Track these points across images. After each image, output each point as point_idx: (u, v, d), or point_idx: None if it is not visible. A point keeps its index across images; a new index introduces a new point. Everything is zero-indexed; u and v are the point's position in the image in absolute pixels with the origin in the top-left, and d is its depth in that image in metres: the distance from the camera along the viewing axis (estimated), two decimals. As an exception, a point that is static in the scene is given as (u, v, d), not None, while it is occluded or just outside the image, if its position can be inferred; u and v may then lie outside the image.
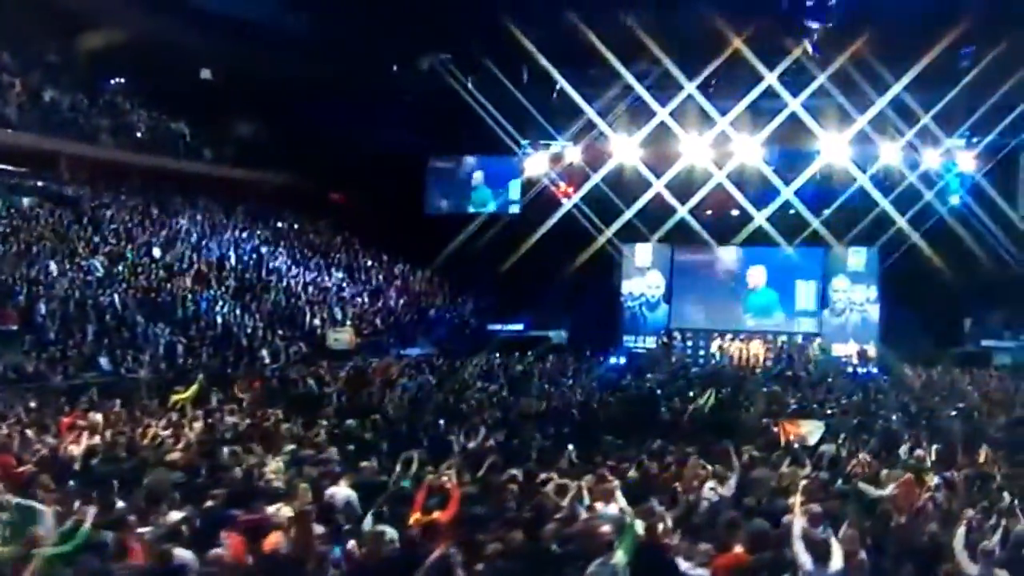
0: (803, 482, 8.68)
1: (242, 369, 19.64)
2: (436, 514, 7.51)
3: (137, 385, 17.11)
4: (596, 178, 26.30)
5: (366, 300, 27.62)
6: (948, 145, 25.20)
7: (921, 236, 25.61)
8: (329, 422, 12.44)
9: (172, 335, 20.32)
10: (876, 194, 25.23)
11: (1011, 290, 25.19)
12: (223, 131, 32.28)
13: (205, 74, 34.06)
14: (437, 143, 32.42)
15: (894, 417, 14.72)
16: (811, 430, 12.41)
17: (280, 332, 22.57)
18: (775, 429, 12.75)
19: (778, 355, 27.65)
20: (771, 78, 22.75)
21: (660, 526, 7.28)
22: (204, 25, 28.43)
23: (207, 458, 9.87)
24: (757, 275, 29.08)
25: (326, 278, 28.01)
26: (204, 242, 26.71)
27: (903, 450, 11.29)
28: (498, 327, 29.15)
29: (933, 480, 8.85)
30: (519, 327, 29.26)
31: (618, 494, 8.18)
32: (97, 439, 10.83)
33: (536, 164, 28.60)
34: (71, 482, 8.86)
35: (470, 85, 27.92)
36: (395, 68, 31.52)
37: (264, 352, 21.09)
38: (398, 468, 9.44)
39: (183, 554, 6.66)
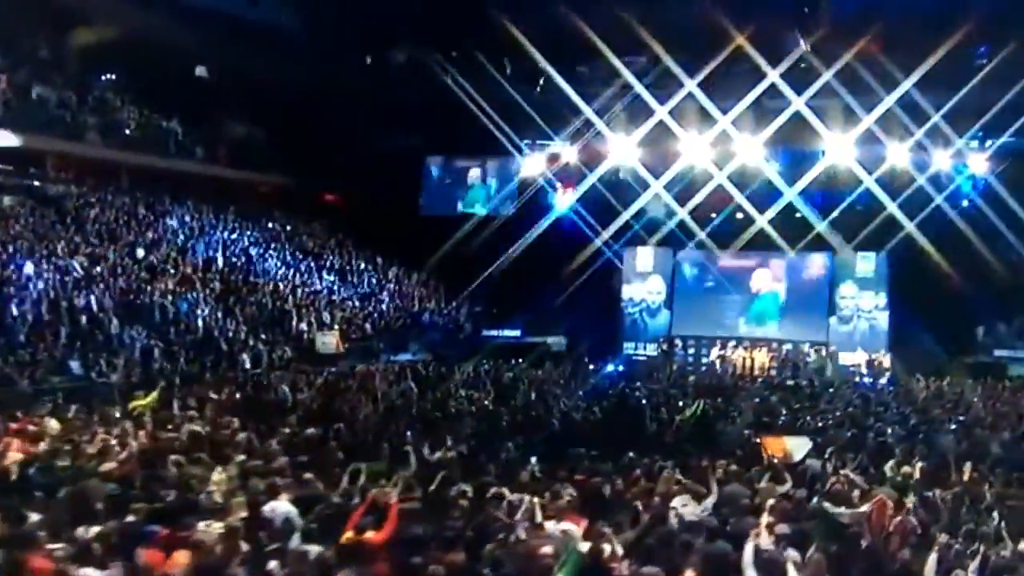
0: (771, 500, 8.27)
1: (220, 374, 19.37)
2: (370, 533, 7.14)
3: (108, 390, 16.83)
4: (592, 178, 25.89)
5: (357, 303, 27.32)
6: (959, 146, 24.64)
7: (931, 241, 25.03)
8: (290, 431, 12.08)
9: (149, 339, 20.06)
10: (883, 196, 24.69)
11: (1025, 298, 24.61)
12: (216, 130, 32.24)
13: (200, 71, 34.07)
14: (433, 143, 32.27)
15: (889, 431, 14.22)
16: (796, 446, 11.98)
17: (263, 336, 22.24)
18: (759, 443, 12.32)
19: (782, 364, 27.20)
20: (774, 75, 22.30)
21: (608, 548, 6.90)
22: (199, 22, 28.37)
23: (149, 468, 9.55)
24: (762, 280, 28.61)
25: (316, 281, 27.74)
26: (191, 243, 26.51)
27: (889, 466, 10.83)
28: (494, 333, 28.83)
29: (911, 500, 8.39)
30: (516, 333, 28.91)
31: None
32: (42, 446, 10.54)
33: (533, 165, 28.21)
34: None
35: (466, 84, 27.57)
36: (390, 67, 31.38)
37: (245, 356, 20.75)
38: (344, 481, 9.12)
39: (89, 574, 6.33)
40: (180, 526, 7.46)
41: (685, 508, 8.60)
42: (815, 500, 8.95)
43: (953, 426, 14.95)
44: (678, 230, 26.92)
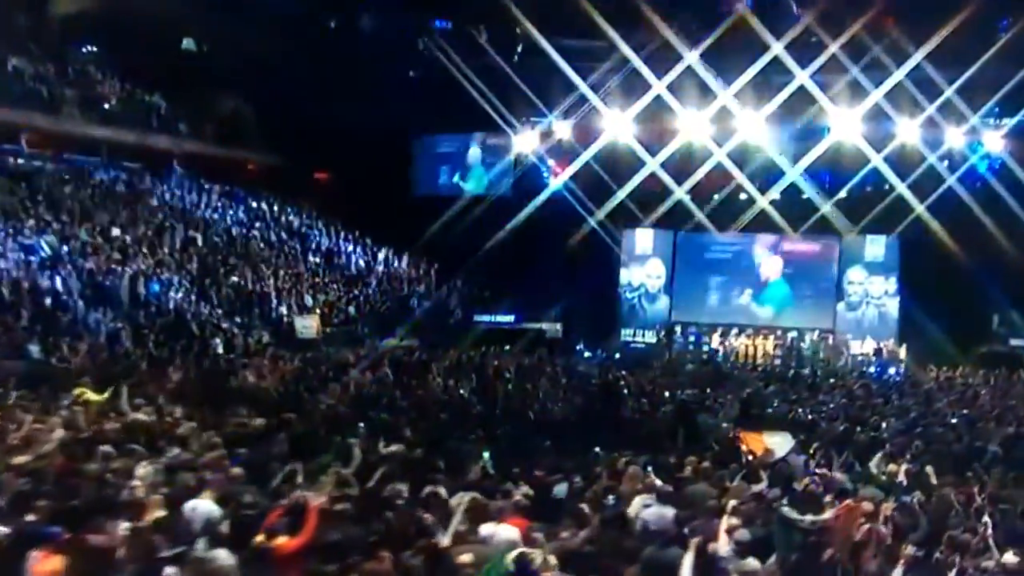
0: (732, 502, 7.75)
1: (190, 360, 18.92)
2: (283, 538, 6.66)
3: (67, 376, 16.43)
4: (586, 155, 25.25)
5: (342, 286, 26.87)
6: (974, 123, 23.82)
7: (943, 223, 24.27)
8: (237, 422, 11.62)
9: (116, 321, 19.67)
10: (892, 176, 23.98)
11: (1043, 285, 23.88)
12: (202, 105, 31.77)
13: (187, 44, 33.59)
14: (425, 120, 31.64)
15: (884, 424, 13.67)
16: (777, 441, 11.46)
17: (238, 320, 21.82)
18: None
19: (787, 352, 26.64)
20: (777, 48, 21.61)
21: (539, 557, 6.39)
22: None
23: (72, 461, 9.10)
24: (771, 266, 27.94)
25: (301, 262, 27.30)
26: (170, 222, 26.08)
27: (874, 463, 10.27)
28: (486, 318, 28.31)
29: (889, 505, 7.84)
30: (509, 318, 28.40)
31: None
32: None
33: (526, 142, 27.58)
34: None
35: (458, 59, 26.96)
36: (383, 40, 30.82)
37: (217, 341, 20.33)
38: (278, 478, 8.66)
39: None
40: (88, 527, 7.01)
41: (646, 510, 8.07)
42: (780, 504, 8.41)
43: (955, 420, 14.34)
44: (680, 212, 26.25)
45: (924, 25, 21.73)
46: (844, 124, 23.32)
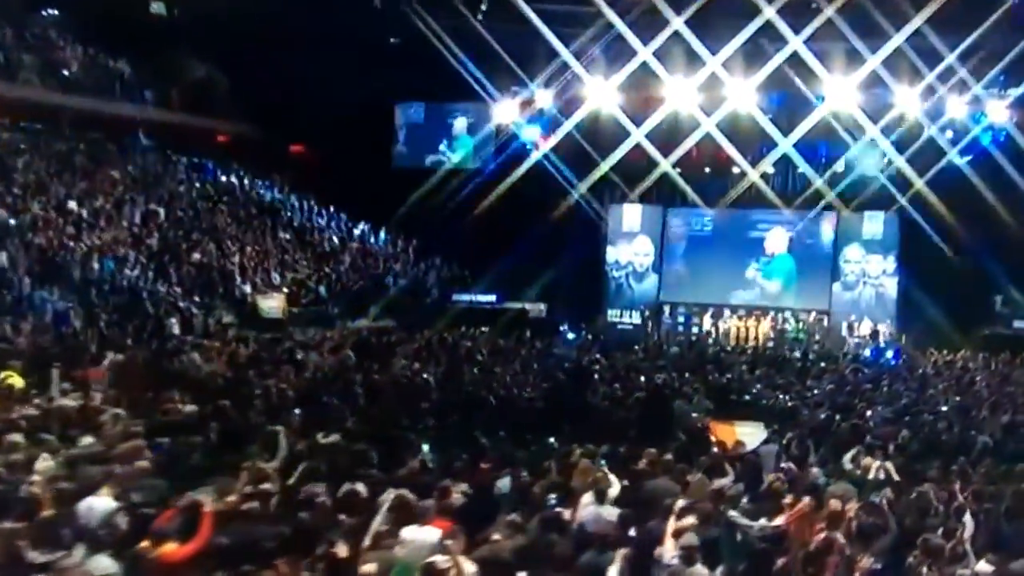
0: (680, 502, 7.20)
1: (143, 341, 18.36)
2: (171, 544, 6.12)
3: (7, 358, 15.87)
4: (568, 124, 24.60)
5: (312, 264, 26.27)
6: (976, 92, 23.12)
7: (944, 199, 23.67)
8: (166, 409, 11.07)
9: (65, 300, 19.10)
10: (890, 149, 23.32)
11: (1048, 264, 23.29)
12: (170, 72, 31.02)
13: (156, 8, 32.74)
14: (409, 90, 30.96)
15: (869, 412, 13.14)
16: (750, 431, 10.93)
17: (198, 299, 21.25)
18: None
19: (779, 334, 26.14)
20: (769, 11, 20.90)
21: (452, 568, 5.85)
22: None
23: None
24: (777, 239, 27.23)
25: (270, 239, 26.68)
26: (130, 195, 25.48)
27: (848, 457, 9.72)
28: (465, 298, 27.73)
29: (854, 505, 7.28)
30: (490, 298, 27.81)
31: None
32: None
33: (507, 112, 26.89)
34: None
35: (435, 24, 26.19)
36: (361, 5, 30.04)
37: (173, 321, 19.77)
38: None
39: None
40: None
41: (584, 510, 7.54)
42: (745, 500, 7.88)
43: (946, 408, 13.81)
44: (666, 185, 25.62)
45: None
46: (839, 93, 22.63)
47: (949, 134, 24.37)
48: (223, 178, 29.67)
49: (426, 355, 18.92)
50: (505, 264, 26.67)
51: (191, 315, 20.58)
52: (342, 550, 6.03)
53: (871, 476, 8.96)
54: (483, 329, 23.70)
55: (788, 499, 7.41)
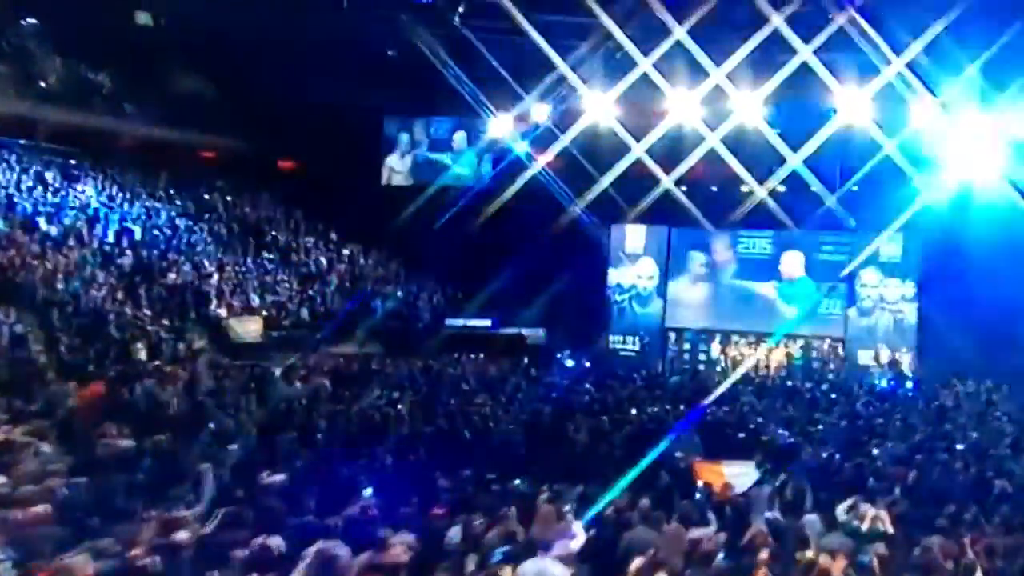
0: (638, 561, 6.50)
1: (105, 367, 17.80)
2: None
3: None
4: (565, 139, 24.00)
5: (296, 286, 25.71)
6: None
7: (968, 218, 22.90)
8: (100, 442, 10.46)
9: (24, 323, 18.56)
10: (907, 165, 22.57)
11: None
12: (154, 84, 30.69)
13: (142, 19, 32.46)
14: (406, 104, 30.56)
15: (875, 452, 12.39)
16: (739, 472, 10.21)
17: (166, 322, 20.68)
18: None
19: (793, 363, 25.45)
20: (777, 20, 20.32)
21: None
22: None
23: None
24: (792, 262, 26.51)
25: (250, 259, 26.15)
26: (106, 213, 25.05)
27: (842, 508, 8.97)
28: (459, 322, 27.13)
29: (840, 564, 6.55)
30: (486, 323, 27.22)
31: None
32: None
33: (503, 127, 26.33)
34: None
35: (428, 36, 25.75)
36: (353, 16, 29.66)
37: (139, 346, 19.19)
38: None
39: None
40: None
41: (525, 565, 6.83)
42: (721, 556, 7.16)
43: (961, 445, 13.04)
44: (670, 204, 24.94)
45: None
46: (852, 106, 21.96)
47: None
48: (206, 195, 29.14)
49: (407, 384, 18.36)
50: (501, 287, 26.13)
51: (159, 339, 19.95)
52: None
53: (866, 526, 8.20)
54: (479, 356, 23.14)
55: (764, 554, 6.68)
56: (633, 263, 27.79)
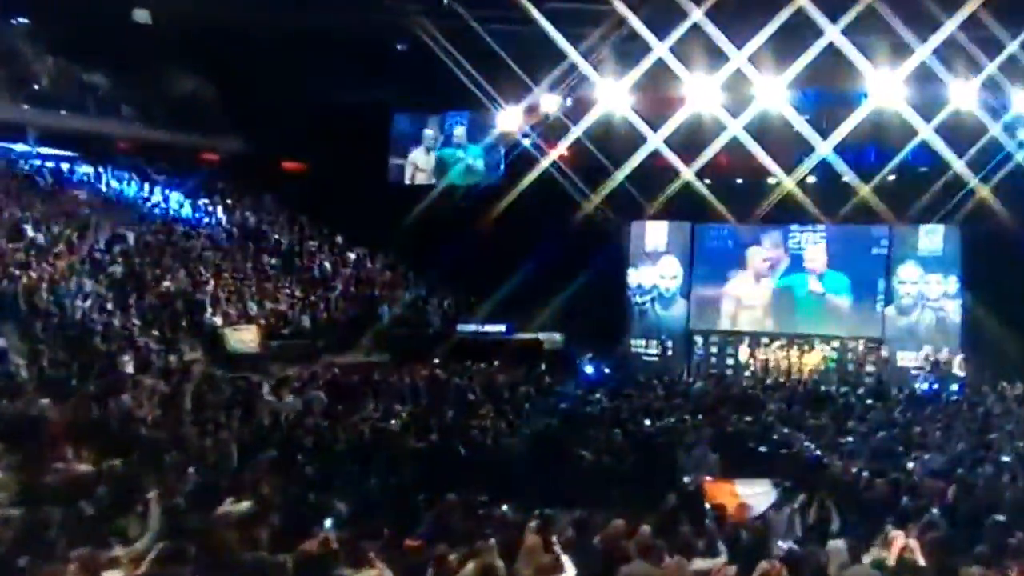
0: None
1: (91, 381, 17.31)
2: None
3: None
4: (578, 131, 23.37)
5: (298, 292, 25.19)
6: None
7: (1013, 208, 22.00)
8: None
9: (5, 336, 18.14)
10: (948, 152, 21.72)
11: None
12: (151, 85, 30.40)
13: (140, 16, 32.15)
14: (414, 100, 30.02)
15: (911, 466, 11.58)
16: (756, 493, 9.46)
17: (156, 333, 20.21)
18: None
19: (827, 368, 24.63)
20: (802, -1, 19.59)
21: None
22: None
23: None
24: (816, 255, 25.73)
25: (251, 265, 25.68)
26: (98, 219, 24.68)
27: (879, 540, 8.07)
28: (471, 328, 26.48)
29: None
30: (500, 328, 26.54)
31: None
32: None
33: (513, 120, 25.72)
34: None
35: (434, 29, 25.21)
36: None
37: (126, 358, 18.69)
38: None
39: None
40: None
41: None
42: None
43: (1008, 458, 12.17)
44: (692, 198, 24.23)
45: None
46: (885, 88, 21.12)
47: (1011, 134, 22.62)
48: (206, 199, 28.75)
49: (408, 395, 17.75)
50: (516, 289, 25.53)
51: (148, 351, 19.47)
52: None
53: (894, 557, 7.40)
54: (492, 364, 22.43)
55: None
56: (654, 262, 27.09)
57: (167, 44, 28.91)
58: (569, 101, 25.26)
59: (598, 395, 17.51)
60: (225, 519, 8.05)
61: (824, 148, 21.48)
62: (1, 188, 24.14)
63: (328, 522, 7.85)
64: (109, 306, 20.76)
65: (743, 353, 25.80)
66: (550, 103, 24.84)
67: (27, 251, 21.27)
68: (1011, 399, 19.35)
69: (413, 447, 12.51)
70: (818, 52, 20.35)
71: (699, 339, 26.72)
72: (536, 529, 8.21)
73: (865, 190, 22.57)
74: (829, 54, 20.41)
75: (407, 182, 30.25)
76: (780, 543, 8.24)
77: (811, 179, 24.12)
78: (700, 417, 14.87)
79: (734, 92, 22.11)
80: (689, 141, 23.24)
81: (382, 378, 19.51)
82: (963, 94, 21.12)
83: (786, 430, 14.07)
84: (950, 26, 19.35)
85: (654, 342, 26.73)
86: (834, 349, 25.02)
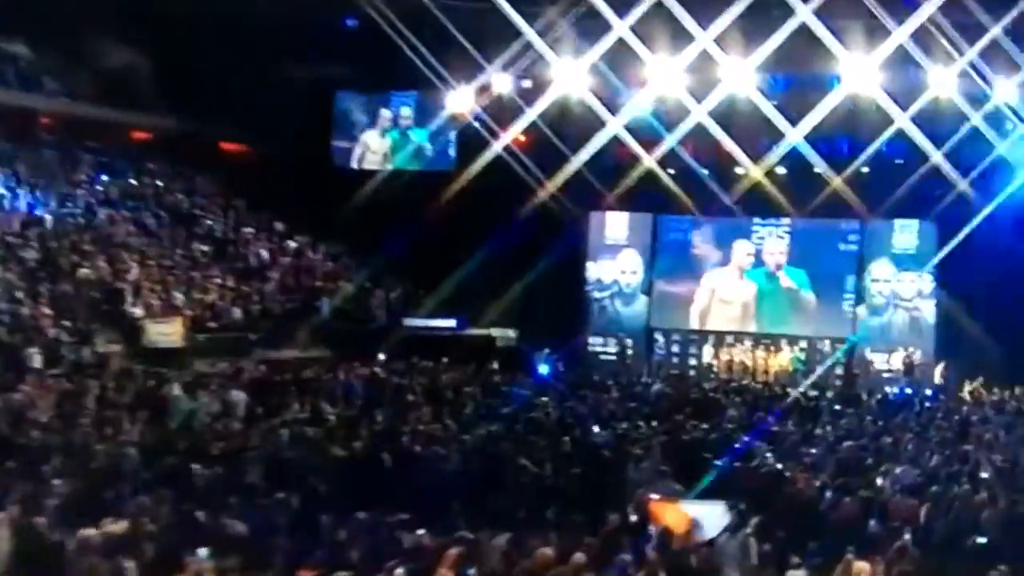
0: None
1: None
2: None
3: None
4: (532, 113, 22.75)
5: (230, 282, 24.31)
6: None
7: (992, 203, 21.72)
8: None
9: None
10: (925, 141, 21.39)
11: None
12: (78, 57, 29.30)
13: (65, -19, 31.12)
14: (362, 79, 29.25)
15: (880, 481, 10.97)
16: (708, 512, 8.77)
17: (69, 324, 19.27)
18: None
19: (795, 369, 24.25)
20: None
21: None
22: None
23: None
24: (775, 251, 25.39)
25: (180, 252, 24.75)
26: (11, 202, 23.65)
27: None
28: (418, 323, 25.77)
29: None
30: (450, 323, 25.89)
31: None
32: None
33: (464, 101, 25.02)
34: None
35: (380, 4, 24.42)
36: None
37: (33, 352, 17.73)
38: None
39: None
40: None
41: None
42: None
43: (986, 474, 11.60)
44: (654, 188, 23.68)
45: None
46: (859, 74, 20.76)
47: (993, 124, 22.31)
48: (133, 180, 27.72)
49: (341, 396, 16.99)
50: (467, 282, 24.99)
51: (59, 344, 18.52)
52: None
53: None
54: (441, 361, 21.74)
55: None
56: (614, 256, 26.63)
57: (96, 12, 27.91)
58: (524, 82, 24.53)
59: (548, 397, 16.79)
60: (86, 544, 7.21)
61: (794, 136, 21.04)
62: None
63: (202, 552, 6.96)
64: (19, 294, 19.74)
65: (707, 353, 25.34)
66: (503, 83, 24.20)
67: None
68: (988, 405, 19.03)
69: (334, 455, 11.74)
70: (789, 33, 19.83)
71: (660, 338, 26.25)
72: (456, 557, 7.46)
73: (837, 182, 22.19)
74: (800, 36, 19.93)
75: (355, 165, 29.53)
76: (730, 573, 7.55)
77: (780, 170, 23.58)
78: (655, 423, 14.15)
79: (699, 75, 21.64)
80: (650, 126, 22.65)
81: (316, 376, 18.78)
82: (942, 81, 20.91)
83: (746, 438, 13.40)
84: (929, 8, 18.92)
85: (612, 340, 26.23)
86: (802, 350, 24.60)
